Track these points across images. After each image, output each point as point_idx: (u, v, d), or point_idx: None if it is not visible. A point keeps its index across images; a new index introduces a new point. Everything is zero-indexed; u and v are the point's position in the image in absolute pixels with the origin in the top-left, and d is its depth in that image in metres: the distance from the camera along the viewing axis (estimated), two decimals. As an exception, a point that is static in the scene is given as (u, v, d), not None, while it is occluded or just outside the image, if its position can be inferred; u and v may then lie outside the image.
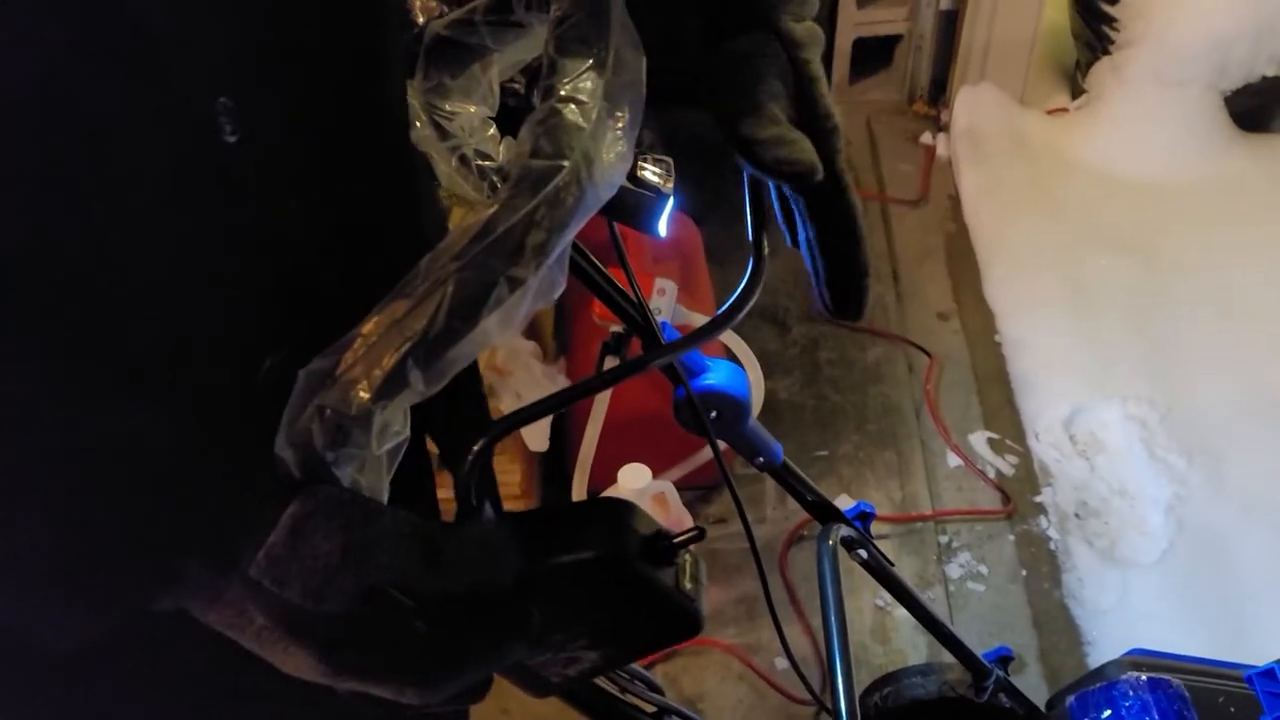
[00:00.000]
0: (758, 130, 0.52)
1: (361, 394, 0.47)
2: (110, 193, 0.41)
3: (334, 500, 0.46)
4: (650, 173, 0.71)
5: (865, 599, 1.63)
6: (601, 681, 0.68)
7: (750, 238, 0.61)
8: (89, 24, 0.39)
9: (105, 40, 0.40)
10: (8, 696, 0.55)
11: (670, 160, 0.74)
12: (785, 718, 1.49)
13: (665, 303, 1.58)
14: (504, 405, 1.55)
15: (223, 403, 0.49)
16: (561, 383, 1.67)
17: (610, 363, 1.68)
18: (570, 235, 0.48)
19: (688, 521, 1.54)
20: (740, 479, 1.80)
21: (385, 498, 0.49)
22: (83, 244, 0.41)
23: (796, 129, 0.53)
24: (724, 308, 0.58)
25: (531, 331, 1.77)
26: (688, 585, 0.54)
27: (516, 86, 0.70)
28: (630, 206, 0.71)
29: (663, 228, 0.73)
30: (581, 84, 0.50)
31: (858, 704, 0.88)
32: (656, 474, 1.56)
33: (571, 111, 0.48)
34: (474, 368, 0.81)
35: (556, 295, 0.50)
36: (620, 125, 0.50)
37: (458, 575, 0.48)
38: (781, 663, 1.53)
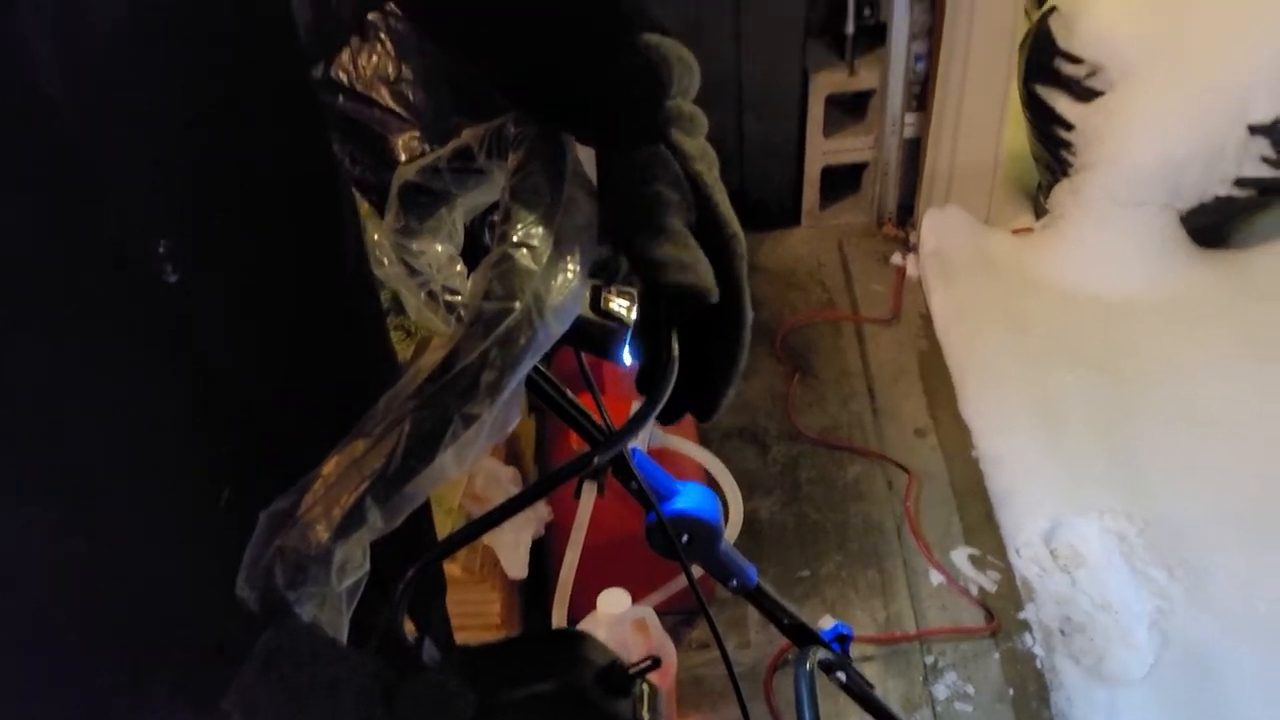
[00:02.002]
0: (655, 250, 0.53)
1: (321, 533, 0.48)
2: (51, 331, 0.43)
3: (302, 636, 0.46)
4: (615, 304, 0.73)
5: (852, 723, 1.60)
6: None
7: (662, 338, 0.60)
8: (36, 165, 0.41)
9: (50, 182, 0.41)
10: None
11: (634, 291, 0.77)
12: None
13: (643, 429, 1.60)
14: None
15: (183, 534, 0.50)
16: (541, 510, 1.68)
17: (588, 489, 1.69)
18: (523, 373, 0.50)
19: (669, 647, 1.52)
20: (722, 603, 1.79)
21: (345, 634, 0.50)
22: (30, 380, 0.42)
23: (694, 242, 0.54)
24: (640, 407, 0.57)
25: (511, 458, 1.78)
26: (645, 716, 0.54)
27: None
28: (595, 337, 0.74)
29: (627, 357, 0.75)
30: (533, 230, 0.53)
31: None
32: (637, 599, 1.55)
33: (523, 255, 0.51)
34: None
35: (510, 429, 0.52)
36: (571, 268, 0.53)
37: None
38: (769, 793, 1.50)
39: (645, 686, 0.55)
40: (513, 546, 1.53)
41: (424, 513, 0.82)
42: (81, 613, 0.46)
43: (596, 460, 0.71)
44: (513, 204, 0.54)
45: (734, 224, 0.55)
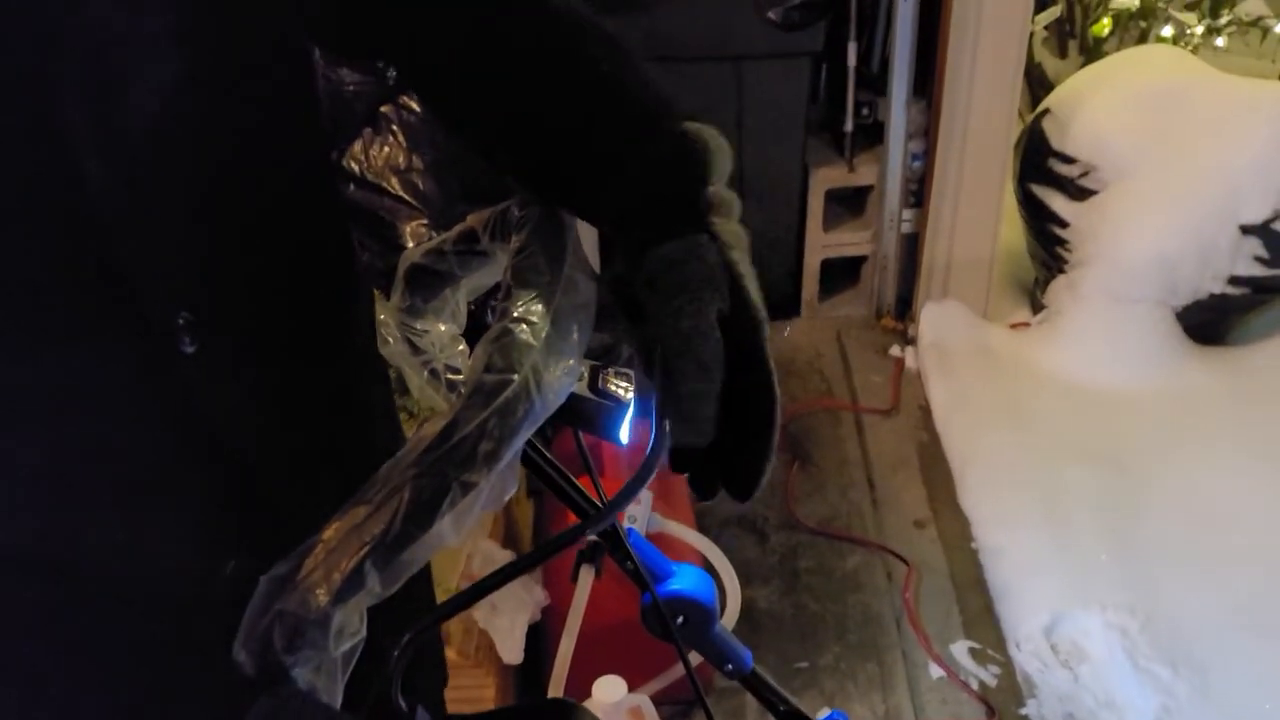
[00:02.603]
0: (685, 384, 0.54)
1: (321, 597, 0.49)
2: (67, 401, 0.45)
3: (296, 702, 0.47)
4: (613, 384, 0.76)
5: (851, 820, 1.57)
6: None
7: (654, 416, 0.61)
8: (74, 244, 0.43)
9: (85, 258, 0.44)
10: None
11: (632, 373, 0.79)
12: None
13: (640, 511, 1.60)
14: (478, 616, 1.54)
15: (186, 602, 0.51)
16: (537, 594, 1.67)
17: (585, 572, 1.68)
18: (519, 443, 0.52)
19: (665, 737, 1.50)
20: (721, 692, 1.77)
21: (339, 700, 0.51)
22: (39, 453, 0.44)
23: (717, 376, 0.54)
24: (630, 480, 0.58)
25: (510, 540, 1.78)
26: (635, 788, 0.54)
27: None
28: (592, 416, 0.76)
29: (624, 435, 0.77)
30: (533, 307, 0.55)
31: None
32: (634, 687, 1.53)
33: (523, 331, 0.53)
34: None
35: (507, 498, 0.53)
36: (568, 344, 0.55)
37: None
38: None
39: (633, 758, 0.55)
40: (508, 631, 1.52)
41: (424, 585, 0.83)
42: (82, 674, 0.47)
43: (589, 531, 0.73)
44: (514, 283, 0.56)
45: (762, 310, 0.55)
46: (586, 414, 0.75)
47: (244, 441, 0.54)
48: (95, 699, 0.47)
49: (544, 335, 0.54)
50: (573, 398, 0.75)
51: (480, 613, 1.54)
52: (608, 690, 1.49)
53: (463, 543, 0.50)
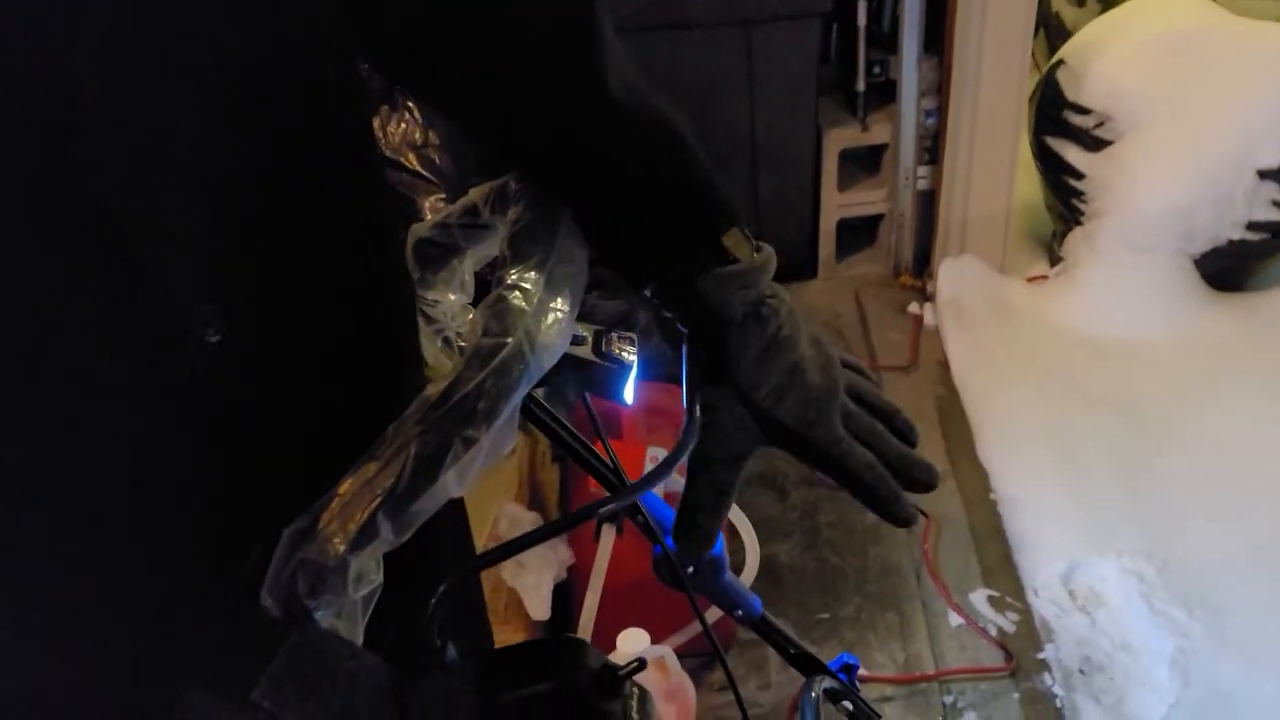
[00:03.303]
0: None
1: (338, 545, 0.54)
2: (94, 390, 0.46)
3: (323, 636, 0.52)
4: (615, 346, 0.80)
5: (872, 764, 1.62)
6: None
7: (684, 401, 0.68)
8: (83, 234, 0.44)
9: (99, 256, 0.45)
10: None
11: (634, 335, 0.83)
12: None
13: (659, 471, 1.65)
14: (506, 575, 1.60)
15: (214, 586, 0.54)
16: (563, 553, 1.72)
17: (607, 532, 1.74)
18: (516, 400, 0.56)
19: (688, 686, 1.55)
20: (743, 645, 1.82)
21: (360, 640, 0.56)
22: (66, 434, 0.46)
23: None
24: (662, 459, 0.65)
25: (535, 503, 1.83)
26: (635, 716, 0.59)
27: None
28: (598, 378, 0.80)
29: (628, 395, 0.81)
30: (527, 274, 0.59)
31: None
32: (657, 641, 1.59)
33: (516, 297, 0.57)
34: (460, 521, 0.88)
35: (506, 452, 0.57)
36: (560, 307, 0.59)
37: None
38: (790, 833, 1.52)
39: (636, 689, 0.60)
40: (535, 588, 1.58)
41: (466, 543, 0.86)
42: (121, 629, 0.51)
43: (615, 506, 0.77)
44: (510, 252, 0.60)
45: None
46: (593, 377, 0.80)
47: (263, 429, 0.56)
48: (135, 635, 0.51)
49: (536, 300, 0.58)
50: (579, 361, 0.79)
51: (508, 572, 1.60)
52: (631, 642, 1.55)
53: (467, 493, 0.53)
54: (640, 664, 0.59)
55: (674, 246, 0.62)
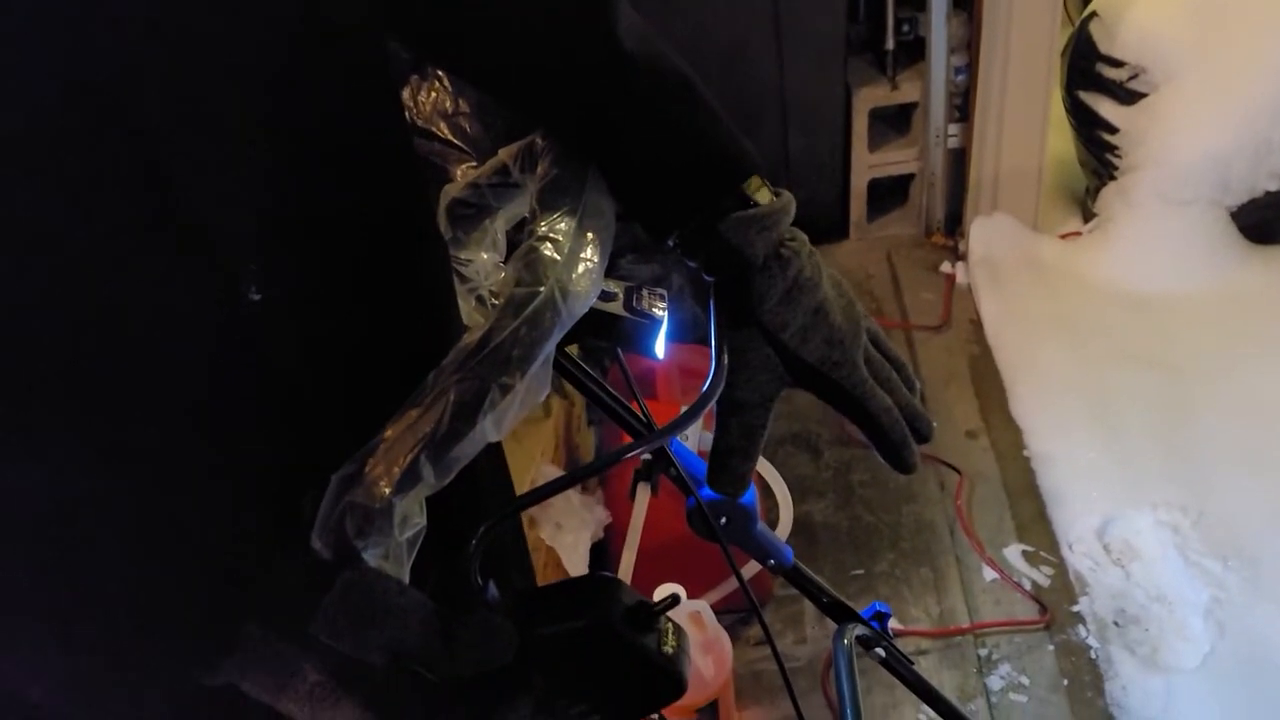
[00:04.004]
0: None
1: (384, 488, 0.56)
2: (144, 344, 0.49)
3: (374, 574, 0.54)
4: (646, 302, 0.82)
5: (908, 713, 1.64)
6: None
7: (713, 347, 0.70)
8: (136, 201, 0.47)
9: (151, 216, 0.47)
10: None
11: (664, 292, 0.85)
12: (832, 836, 1.50)
13: (692, 430, 1.67)
14: (544, 534, 1.63)
15: (266, 534, 0.56)
16: (600, 513, 1.76)
17: (642, 489, 1.77)
18: (549, 347, 0.58)
19: (724, 640, 1.58)
20: (780, 600, 1.85)
21: (406, 579, 0.59)
22: (128, 395, 0.49)
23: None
24: (688, 408, 0.66)
25: (571, 465, 1.86)
26: (669, 649, 0.61)
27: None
28: (629, 333, 0.82)
29: (659, 350, 0.83)
30: (557, 225, 0.61)
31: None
32: (695, 597, 1.62)
33: (548, 248, 0.59)
34: (500, 470, 0.90)
35: (542, 398, 0.60)
36: (590, 258, 0.61)
37: (467, 659, 0.55)
38: (827, 782, 1.55)
39: (670, 623, 0.62)
40: (573, 547, 1.61)
41: (507, 490, 0.89)
42: (187, 573, 0.54)
43: (642, 449, 0.80)
44: (539, 206, 0.62)
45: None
46: (624, 332, 0.82)
47: (314, 386, 0.58)
48: (195, 576, 0.54)
49: (567, 250, 0.60)
50: (610, 317, 0.82)
51: (546, 531, 1.63)
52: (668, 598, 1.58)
53: (504, 437, 0.55)
54: (674, 600, 0.61)
55: (695, 195, 0.63)
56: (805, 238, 0.65)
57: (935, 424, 0.72)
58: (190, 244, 0.50)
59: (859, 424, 0.69)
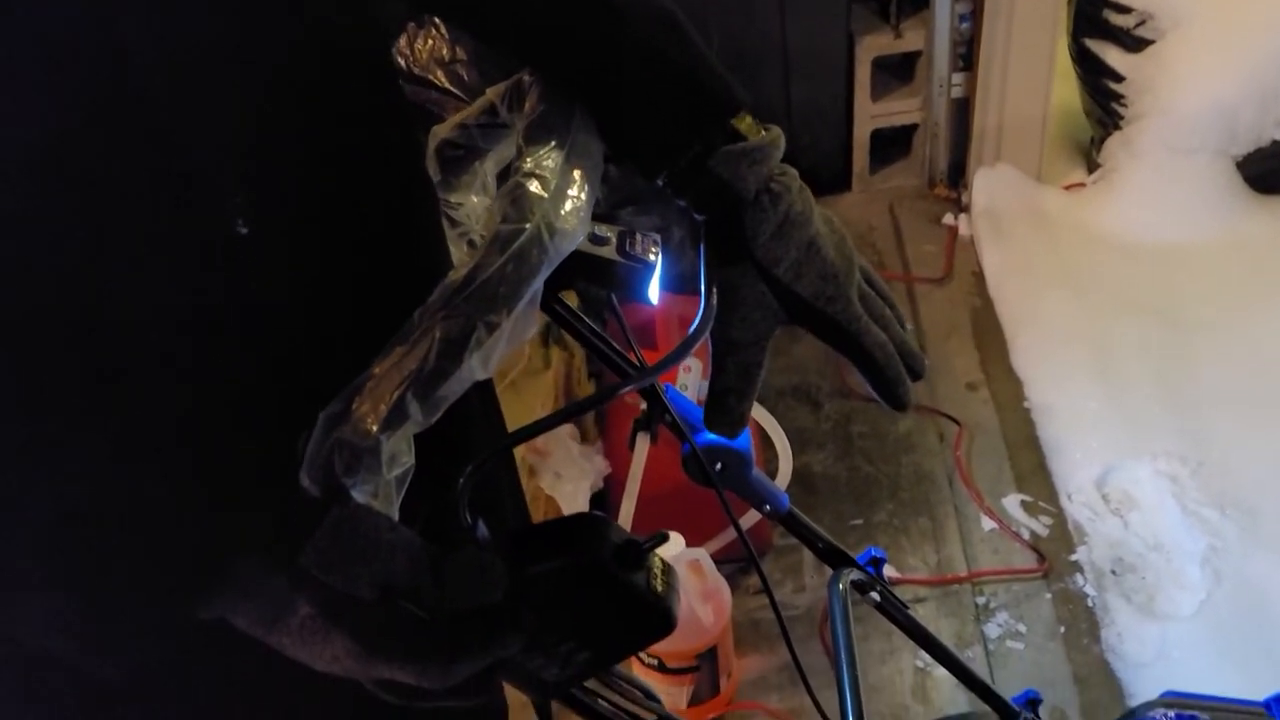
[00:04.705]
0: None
1: (371, 426, 0.56)
2: (131, 272, 0.49)
3: (363, 510, 0.54)
4: (639, 246, 0.81)
5: (905, 660, 1.66)
6: (603, 690, 0.75)
7: (702, 287, 0.70)
8: (123, 134, 0.47)
9: (138, 152, 0.48)
10: None
11: (657, 236, 0.85)
12: (829, 779, 1.51)
13: (691, 379, 1.67)
14: (544, 484, 1.64)
15: (260, 469, 0.57)
16: (599, 463, 1.76)
17: (641, 438, 1.77)
18: (536, 285, 0.58)
19: (724, 588, 1.60)
20: (779, 550, 1.86)
21: (396, 517, 0.59)
22: (109, 321, 0.49)
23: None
24: (677, 345, 0.66)
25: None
26: (658, 587, 0.61)
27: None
28: (622, 278, 0.82)
29: (653, 295, 0.83)
30: (544, 162, 0.60)
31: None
32: (695, 545, 1.63)
33: (534, 184, 0.59)
34: (493, 413, 0.91)
35: (529, 336, 0.60)
36: (578, 195, 0.61)
37: (456, 596, 0.55)
38: (824, 727, 1.56)
39: (659, 561, 0.62)
40: (572, 496, 1.62)
41: (496, 429, 0.89)
42: (174, 504, 0.54)
43: (633, 386, 0.80)
44: (524, 142, 0.62)
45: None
46: (616, 276, 0.81)
47: (305, 323, 0.58)
48: (187, 509, 0.54)
49: (554, 187, 0.59)
50: (604, 262, 0.81)
51: (546, 480, 1.64)
52: (666, 545, 1.59)
53: (490, 375, 0.55)
54: (663, 537, 0.61)
55: (684, 131, 0.63)
56: (795, 173, 0.65)
57: (928, 362, 0.72)
58: (172, 173, 0.50)
59: (854, 360, 0.68)
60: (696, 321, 0.67)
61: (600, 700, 0.73)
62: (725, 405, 0.71)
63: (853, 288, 0.66)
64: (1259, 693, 1.22)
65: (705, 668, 1.58)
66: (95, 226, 0.48)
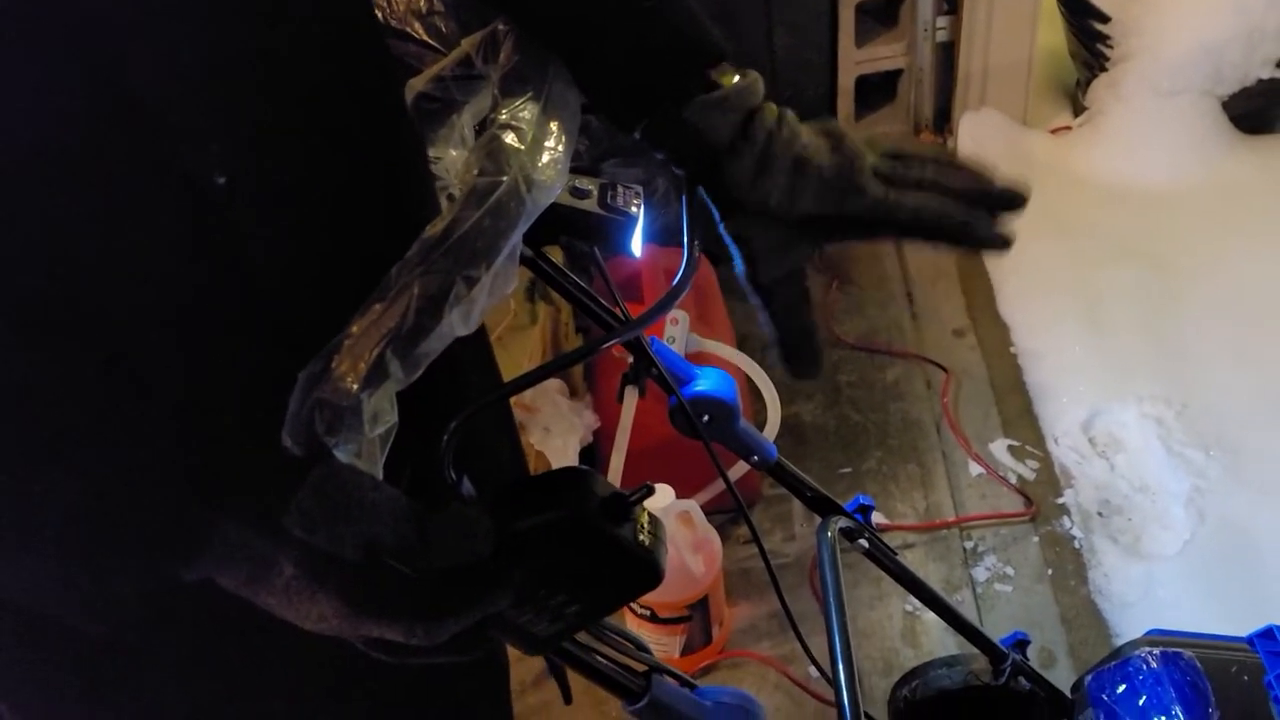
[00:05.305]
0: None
1: (351, 384, 0.56)
2: (108, 230, 0.48)
3: (346, 469, 0.54)
4: (621, 199, 0.80)
5: (894, 605, 1.68)
6: (594, 643, 0.76)
7: (685, 240, 0.69)
8: (90, 84, 0.46)
9: (103, 102, 0.46)
10: (38, 688, 0.62)
11: (639, 188, 0.84)
12: (821, 723, 1.54)
13: (679, 332, 1.66)
14: (533, 439, 1.64)
15: (243, 416, 0.56)
16: (588, 417, 1.76)
17: (630, 392, 1.77)
18: (515, 239, 0.57)
19: (714, 538, 1.61)
20: (769, 499, 1.87)
21: (380, 476, 0.58)
22: (87, 278, 0.48)
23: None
24: (661, 297, 0.66)
25: (560, 374, 1.86)
26: (645, 539, 0.62)
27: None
28: (604, 231, 0.81)
29: (636, 247, 0.82)
30: (519, 114, 0.59)
31: (858, 687, 0.93)
32: (685, 497, 1.63)
33: (510, 136, 0.58)
34: (487, 368, 0.90)
35: (509, 290, 0.59)
36: (555, 147, 0.60)
37: (443, 553, 0.55)
38: (816, 671, 1.58)
39: (646, 514, 0.62)
40: (562, 451, 1.62)
41: (492, 386, 0.88)
42: (156, 464, 0.54)
43: (617, 339, 0.79)
44: (500, 93, 0.61)
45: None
46: (599, 229, 0.80)
47: (287, 277, 0.57)
48: (167, 467, 0.53)
49: (530, 139, 0.58)
50: (584, 215, 0.80)
51: (535, 436, 1.64)
52: (657, 496, 1.59)
53: (471, 330, 0.54)
54: (648, 489, 0.61)
55: (661, 81, 0.62)
56: (774, 106, 0.64)
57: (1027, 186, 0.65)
58: (143, 126, 0.49)
59: (906, 237, 0.66)
60: (680, 274, 0.67)
61: (593, 654, 0.74)
62: (797, 349, 0.71)
63: (864, 176, 0.64)
64: (1243, 628, 1.23)
65: (697, 617, 1.59)
66: (62, 188, 0.47)
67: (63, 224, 0.47)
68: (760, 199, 0.63)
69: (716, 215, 0.68)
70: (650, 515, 0.63)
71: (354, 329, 0.56)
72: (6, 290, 0.46)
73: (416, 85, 0.76)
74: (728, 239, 0.68)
